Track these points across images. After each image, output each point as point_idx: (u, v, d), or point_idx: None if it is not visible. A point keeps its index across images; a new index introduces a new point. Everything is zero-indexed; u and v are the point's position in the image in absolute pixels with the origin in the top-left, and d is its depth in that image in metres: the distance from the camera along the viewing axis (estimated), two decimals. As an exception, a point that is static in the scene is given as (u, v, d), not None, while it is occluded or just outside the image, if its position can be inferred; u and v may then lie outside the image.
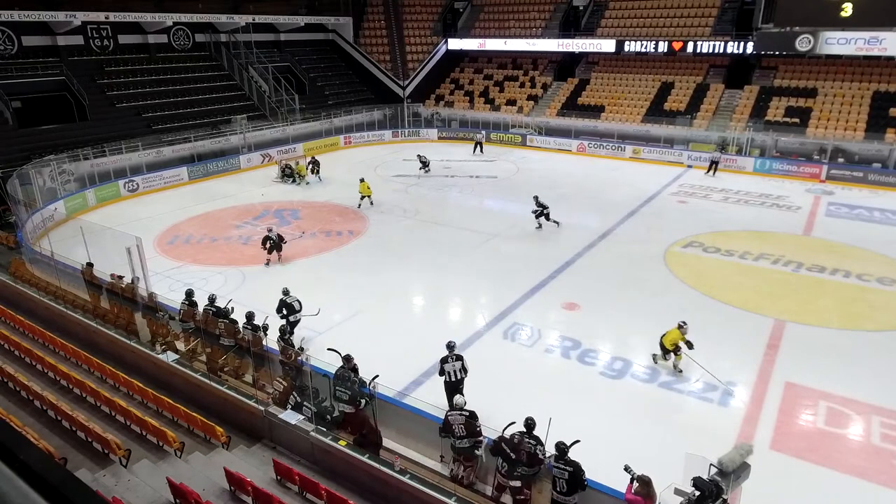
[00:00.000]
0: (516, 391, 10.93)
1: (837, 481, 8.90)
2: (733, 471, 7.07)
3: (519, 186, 26.02)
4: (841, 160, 26.92)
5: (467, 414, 8.10)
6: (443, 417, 8.21)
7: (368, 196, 22.48)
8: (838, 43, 26.81)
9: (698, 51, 32.61)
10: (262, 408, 9.01)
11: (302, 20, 38.15)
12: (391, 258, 17.62)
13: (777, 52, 30.71)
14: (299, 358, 9.66)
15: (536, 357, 12.29)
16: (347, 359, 9.23)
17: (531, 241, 18.95)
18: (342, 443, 8.25)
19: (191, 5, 33.29)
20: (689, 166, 28.97)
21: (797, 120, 28.68)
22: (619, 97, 34.02)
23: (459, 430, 8.02)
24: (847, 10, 25.69)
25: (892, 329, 13.33)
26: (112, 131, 27.04)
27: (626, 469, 6.99)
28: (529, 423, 7.75)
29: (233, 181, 27.26)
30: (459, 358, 10.06)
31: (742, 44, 30.81)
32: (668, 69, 34.52)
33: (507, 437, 7.65)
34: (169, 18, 32.05)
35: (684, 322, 11.56)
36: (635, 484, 6.92)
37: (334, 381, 8.99)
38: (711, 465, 7.09)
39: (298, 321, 12.44)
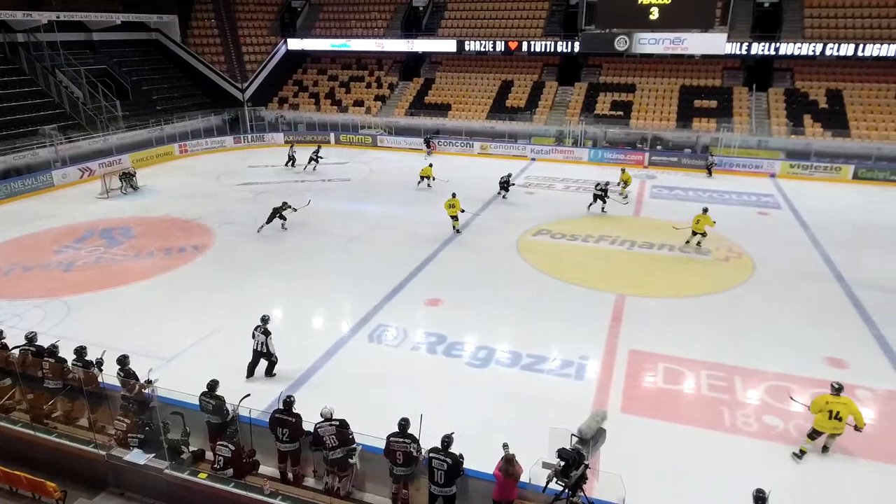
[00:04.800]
0: (388, 392, 10.81)
1: (680, 432, 9.94)
2: (592, 437, 7.51)
3: (374, 188, 25.89)
4: (659, 147, 30.31)
5: (337, 423, 7.84)
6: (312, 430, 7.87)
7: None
8: (649, 43, 30.07)
9: (532, 50, 34.80)
10: (103, 452, 7.98)
11: (118, 17, 34.28)
12: (244, 271, 16.59)
13: (600, 52, 33.68)
14: (145, 391, 8.69)
15: (404, 356, 12.27)
16: (210, 386, 8.57)
17: (391, 242, 18.91)
18: (202, 476, 7.57)
19: (-25, 0, 28.52)
20: (533, 159, 30.80)
21: (621, 113, 31.78)
22: (464, 95, 35.24)
23: (331, 441, 7.74)
24: (655, 13, 28.92)
25: (710, 293, 15.23)
26: None
27: (504, 447, 7.20)
28: (402, 424, 7.67)
29: (47, 200, 23.93)
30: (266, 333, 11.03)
31: (570, 44, 33.43)
32: (507, 68, 36.41)
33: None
34: (-54, 15, 27.24)
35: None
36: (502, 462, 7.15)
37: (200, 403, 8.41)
38: (572, 434, 7.51)
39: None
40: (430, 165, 25.95)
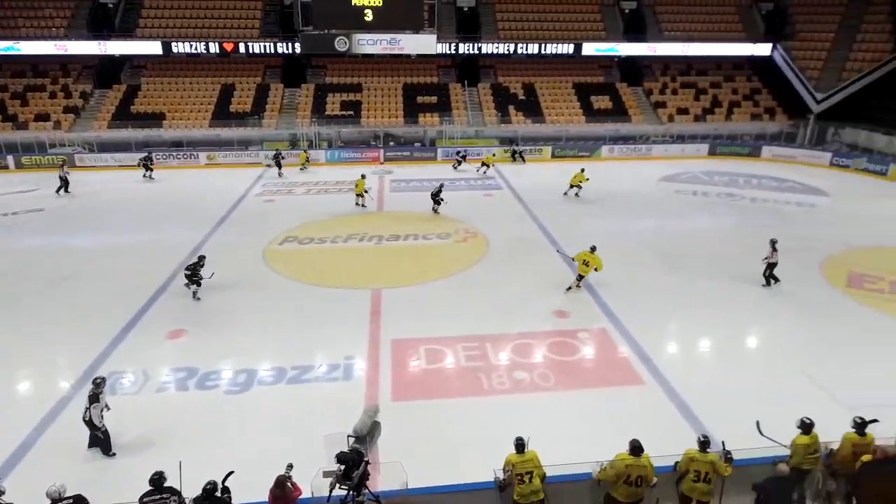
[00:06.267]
0: (138, 447, 9.24)
1: (449, 406, 10.50)
2: (368, 433, 7.53)
3: (80, 215, 22.02)
4: (392, 143, 31.75)
5: (71, 500, 6.48)
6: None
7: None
8: (368, 44, 31.14)
9: (251, 52, 33.23)
10: None
11: None
12: None
13: (323, 53, 33.72)
14: None
15: (148, 401, 10.63)
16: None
17: (112, 276, 16.20)
18: None
19: None
20: (269, 165, 29.59)
21: (351, 112, 32.39)
22: (180, 102, 32.09)
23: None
24: (369, 15, 29.98)
25: (455, 272, 16.43)
26: None
27: (288, 468, 6.88)
28: (155, 479, 6.65)
29: None
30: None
31: (291, 44, 32.73)
32: (225, 71, 34.20)
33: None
34: None
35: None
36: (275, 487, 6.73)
37: None
38: (348, 436, 7.40)
39: None
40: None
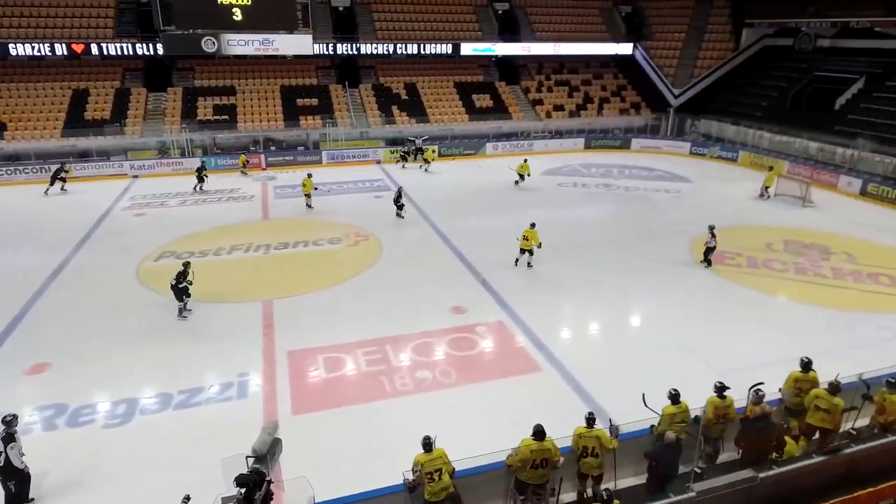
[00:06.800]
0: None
1: (353, 413, 10.21)
2: (268, 452, 7.17)
3: None
4: (273, 148, 30.48)
5: None
6: None
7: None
8: (239, 44, 29.59)
9: (106, 53, 30.32)
10: None
11: None
12: None
13: (189, 54, 31.58)
14: None
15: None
16: None
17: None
18: None
19: None
20: (136, 177, 27.31)
21: (226, 117, 30.68)
22: (23, 111, 28.64)
23: None
24: (238, 14, 28.49)
25: (349, 278, 16.04)
26: None
27: (185, 500, 6.33)
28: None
29: None
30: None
31: (152, 45, 30.33)
32: (76, 75, 31.00)
33: None
34: None
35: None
36: None
37: None
38: (247, 457, 6.99)
39: None
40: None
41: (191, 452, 9.17)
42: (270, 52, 30.94)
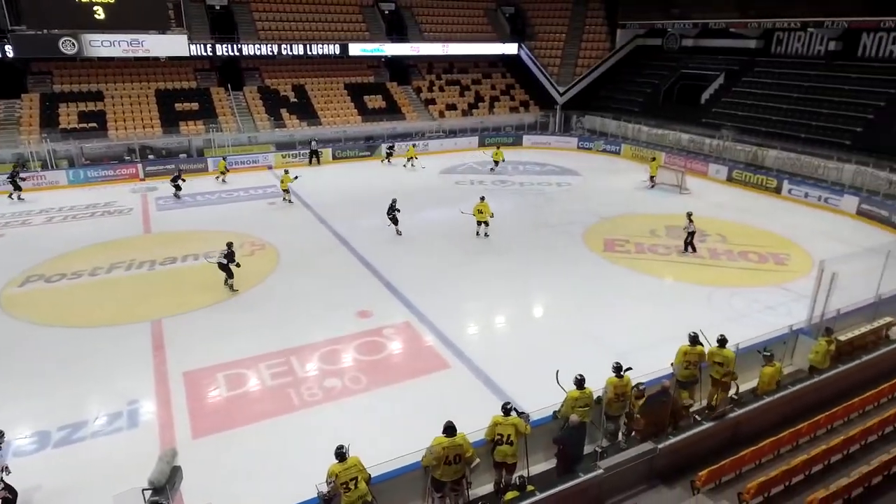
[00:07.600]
0: None
1: (260, 430, 9.69)
2: (167, 482, 6.84)
3: None
4: (151, 157, 28.31)
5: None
6: None
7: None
8: (103, 45, 27.23)
9: (-57, 57, 26.82)
10: None
11: None
12: None
13: (44, 56, 28.62)
14: None
15: None
16: None
17: None
18: None
19: None
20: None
21: (95, 124, 28.12)
22: None
23: None
24: (101, 13, 26.18)
25: (245, 290, 15.22)
26: None
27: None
28: None
29: None
30: None
31: (-1, 48, 27.19)
32: None
33: None
34: None
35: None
36: None
37: None
38: (143, 490, 6.52)
39: None
40: None
41: (76, 494, 8.30)
42: (141, 54, 28.85)
